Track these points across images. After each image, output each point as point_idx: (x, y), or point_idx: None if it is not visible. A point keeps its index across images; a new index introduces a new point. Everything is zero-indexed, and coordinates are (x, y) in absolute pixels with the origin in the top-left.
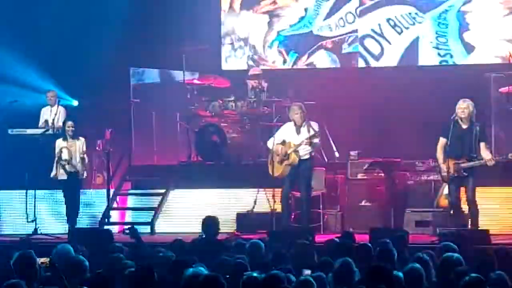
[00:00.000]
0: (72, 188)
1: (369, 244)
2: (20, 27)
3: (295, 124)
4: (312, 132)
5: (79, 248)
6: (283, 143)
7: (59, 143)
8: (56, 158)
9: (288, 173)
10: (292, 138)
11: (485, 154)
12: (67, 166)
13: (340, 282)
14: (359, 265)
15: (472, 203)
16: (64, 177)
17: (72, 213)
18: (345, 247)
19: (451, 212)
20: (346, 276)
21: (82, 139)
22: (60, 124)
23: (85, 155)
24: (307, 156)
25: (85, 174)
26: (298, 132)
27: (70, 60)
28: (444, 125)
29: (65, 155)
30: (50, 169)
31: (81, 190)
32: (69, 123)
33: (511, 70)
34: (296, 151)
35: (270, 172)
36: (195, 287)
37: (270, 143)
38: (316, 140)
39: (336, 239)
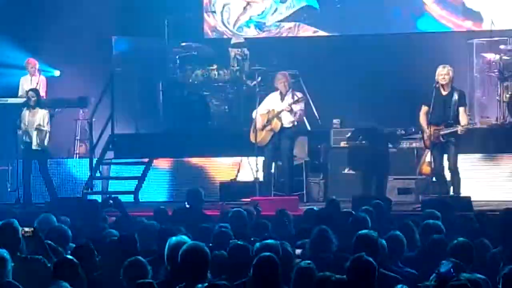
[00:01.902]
0: (34, 158)
1: (353, 212)
2: None
3: (280, 93)
4: (295, 98)
5: (61, 218)
6: (268, 112)
7: (23, 112)
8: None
9: (270, 140)
10: (276, 106)
11: (463, 119)
12: (23, 136)
13: (317, 250)
14: (342, 233)
15: (453, 170)
16: (24, 146)
17: (46, 183)
18: (326, 215)
19: (433, 179)
20: (322, 244)
21: (44, 110)
22: (43, 94)
23: (46, 127)
24: (290, 125)
25: (43, 145)
26: (282, 100)
27: (51, 29)
28: (429, 93)
29: (22, 125)
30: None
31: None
32: (30, 92)
33: (492, 36)
34: (278, 117)
35: (252, 139)
36: (179, 255)
37: (254, 112)
38: (298, 107)
39: (315, 208)
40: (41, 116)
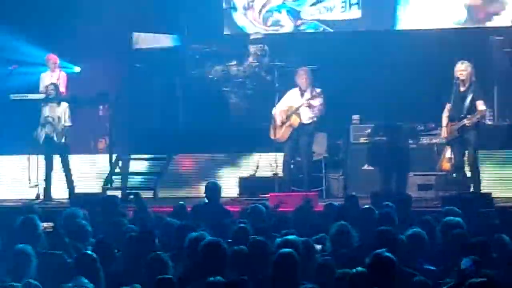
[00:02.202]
0: (54, 153)
1: (373, 208)
2: None
3: (300, 89)
4: (314, 94)
5: (82, 214)
6: (287, 108)
7: (43, 107)
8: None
9: (289, 136)
10: (295, 102)
11: (479, 110)
12: (44, 131)
13: (338, 246)
14: (362, 229)
15: (473, 166)
16: (43, 142)
17: (66, 179)
18: (346, 211)
19: (453, 175)
20: (343, 239)
21: (65, 104)
22: (63, 90)
23: (67, 122)
24: (309, 121)
25: (64, 139)
26: (301, 96)
27: (70, 25)
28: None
29: (43, 119)
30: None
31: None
32: (50, 86)
33: None
34: (297, 113)
35: (272, 135)
36: (198, 251)
37: (274, 109)
38: (317, 102)
39: (336, 203)
40: (61, 111)
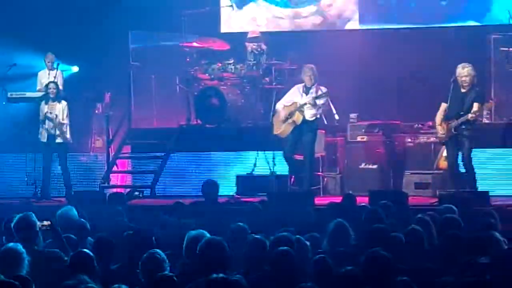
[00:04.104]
0: (54, 152)
1: (369, 206)
2: None
3: (305, 85)
4: (319, 93)
5: (80, 212)
6: (292, 104)
7: (42, 105)
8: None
9: (291, 133)
10: (300, 99)
11: (474, 109)
12: (45, 129)
13: (335, 244)
14: (359, 228)
15: (468, 165)
16: (45, 139)
17: (64, 177)
18: (345, 209)
19: (449, 174)
20: (340, 237)
21: (64, 102)
22: (61, 87)
23: (65, 120)
24: (312, 118)
25: (63, 138)
26: (306, 93)
27: (68, 24)
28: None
29: (42, 117)
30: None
31: (67, 154)
32: (51, 84)
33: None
34: (300, 111)
35: (274, 130)
36: (198, 249)
37: (278, 104)
38: (322, 101)
39: (336, 202)
40: (60, 109)
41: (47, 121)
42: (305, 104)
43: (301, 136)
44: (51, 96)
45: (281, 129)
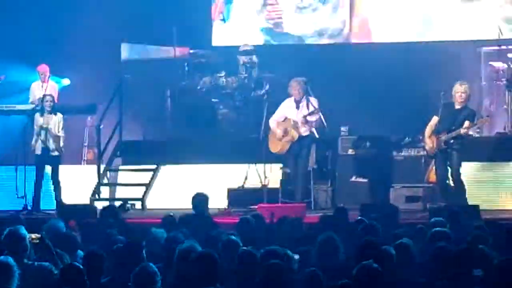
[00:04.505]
0: (47, 164)
1: (364, 219)
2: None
3: (294, 99)
4: (311, 109)
5: (67, 224)
6: (285, 120)
7: (37, 117)
8: (34, 133)
9: (289, 149)
10: (292, 114)
11: (465, 125)
12: (39, 142)
13: (324, 258)
14: (351, 241)
15: (457, 179)
16: (39, 152)
17: (54, 189)
18: (335, 223)
19: (439, 187)
20: (329, 251)
21: (59, 115)
22: (56, 100)
23: (60, 133)
24: (307, 133)
25: (57, 151)
26: (297, 107)
27: (59, 37)
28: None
29: (39, 128)
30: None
31: (60, 166)
32: (48, 97)
33: (501, 45)
34: (295, 128)
35: (271, 149)
36: (189, 262)
37: (271, 121)
38: (314, 118)
39: (328, 215)
40: (55, 122)
41: (42, 134)
42: (297, 123)
43: (300, 150)
44: (47, 109)
45: (278, 147)
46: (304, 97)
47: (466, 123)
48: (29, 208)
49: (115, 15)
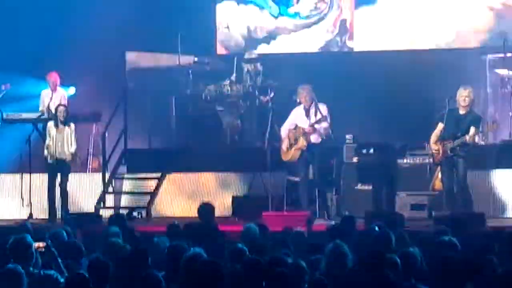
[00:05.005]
0: (57, 173)
1: (370, 229)
2: (13, 13)
3: (304, 107)
4: (319, 116)
5: (73, 232)
6: (295, 127)
7: (50, 127)
8: (46, 142)
9: (300, 158)
10: (302, 122)
11: (471, 132)
12: (52, 151)
13: (332, 267)
14: (359, 250)
15: (463, 187)
16: (51, 161)
17: (62, 198)
18: (342, 232)
19: (445, 195)
20: (338, 260)
21: (72, 125)
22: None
23: (73, 143)
24: (318, 141)
25: (69, 159)
26: (307, 115)
27: (64, 46)
28: (444, 111)
29: (52, 140)
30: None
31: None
32: (61, 108)
33: (505, 52)
34: (304, 135)
35: (283, 157)
36: (195, 271)
37: (282, 129)
38: (323, 125)
39: (334, 224)
40: (68, 132)
41: (54, 144)
42: (307, 131)
43: (310, 158)
44: (61, 119)
45: (289, 155)
46: (313, 104)
47: (472, 130)
48: (33, 217)
49: (120, 24)
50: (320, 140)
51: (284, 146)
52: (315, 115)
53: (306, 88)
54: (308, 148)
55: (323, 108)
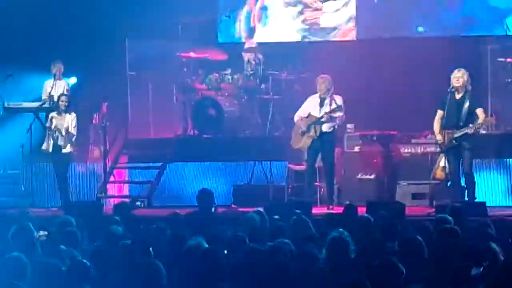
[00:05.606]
0: (58, 162)
1: (370, 217)
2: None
3: (319, 96)
4: (333, 106)
5: (76, 221)
6: (308, 115)
7: (51, 115)
8: (47, 130)
9: (311, 146)
10: (316, 111)
11: (480, 119)
12: (53, 138)
13: (334, 256)
14: (360, 239)
15: (468, 175)
16: (52, 150)
17: (62, 187)
18: (344, 220)
19: (448, 184)
20: (340, 248)
21: (73, 114)
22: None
23: (73, 131)
24: (330, 130)
25: (69, 149)
26: (321, 104)
27: (64, 34)
28: (443, 98)
29: (53, 127)
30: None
31: (71, 164)
32: (63, 97)
33: (507, 42)
34: (318, 124)
35: (293, 144)
36: (195, 259)
37: (296, 116)
38: (337, 114)
39: (333, 212)
40: (69, 120)
41: (55, 132)
42: (321, 118)
43: (321, 147)
44: (62, 108)
45: (301, 142)
46: (329, 94)
47: (481, 116)
48: (34, 206)
49: (121, 12)
50: (331, 129)
51: (299, 131)
52: (330, 105)
53: (326, 78)
54: (319, 136)
55: (338, 99)
